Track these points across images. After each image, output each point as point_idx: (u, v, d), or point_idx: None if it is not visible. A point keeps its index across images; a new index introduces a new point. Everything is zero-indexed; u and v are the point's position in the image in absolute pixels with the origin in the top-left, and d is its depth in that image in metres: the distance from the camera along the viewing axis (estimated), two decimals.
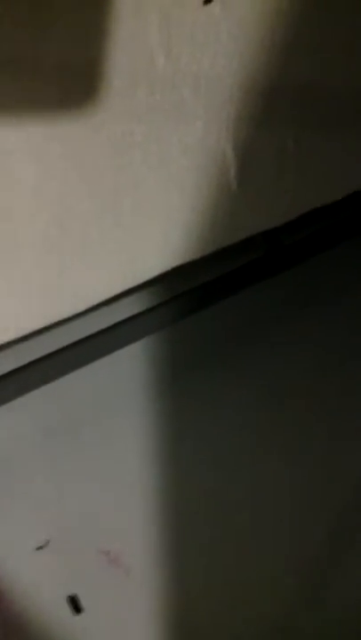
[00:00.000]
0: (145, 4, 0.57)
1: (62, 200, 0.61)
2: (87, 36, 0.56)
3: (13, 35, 0.53)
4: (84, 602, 0.72)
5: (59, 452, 0.72)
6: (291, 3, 0.64)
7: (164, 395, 0.76)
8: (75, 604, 0.72)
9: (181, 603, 0.75)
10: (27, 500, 0.72)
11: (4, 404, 0.68)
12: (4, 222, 0.59)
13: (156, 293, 0.74)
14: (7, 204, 0.59)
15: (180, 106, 0.64)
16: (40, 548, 0.72)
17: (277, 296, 0.80)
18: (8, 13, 0.52)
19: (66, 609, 0.72)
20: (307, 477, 0.80)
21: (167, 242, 0.69)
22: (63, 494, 0.73)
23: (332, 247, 0.79)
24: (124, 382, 0.75)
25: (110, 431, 0.74)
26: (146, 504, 0.74)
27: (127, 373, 0.75)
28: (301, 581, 0.79)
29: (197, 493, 0.76)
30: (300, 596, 0.79)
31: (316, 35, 0.66)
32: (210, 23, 0.61)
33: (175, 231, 0.69)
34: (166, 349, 0.77)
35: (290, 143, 0.71)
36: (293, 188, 0.74)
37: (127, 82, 0.59)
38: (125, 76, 0.59)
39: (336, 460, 0.80)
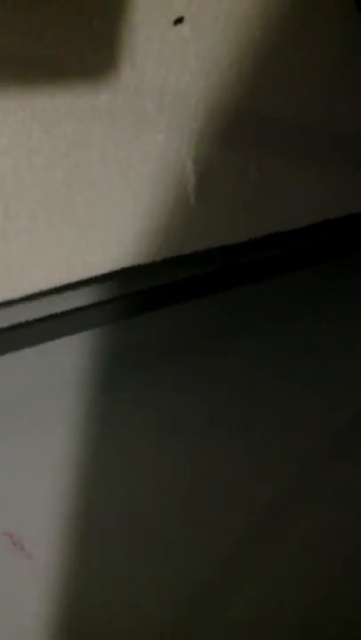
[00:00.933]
0: (115, 14, 0.60)
1: (11, 187, 0.64)
2: (51, 33, 0.60)
3: None
4: None
5: None
6: (263, 34, 0.67)
7: (98, 389, 0.79)
8: None
9: (78, 594, 0.78)
10: None
11: None
12: None
13: (105, 290, 0.77)
14: None
15: (142, 116, 0.67)
16: None
17: (225, 310, 0.83)
18: None
19: None
20: (226, 479, 0.82)
21: (118, 243, 0.72)
22: None
23: (287, 273, 0.81)
24: (60, 372, 0.78)
25: (36, 417, 0.77)
26: (58, 494, 0.77)
27: (65, 364, 0.78)
28: (205, 579, 0.82)
29: (109, 489, 0.79)
30: (202, 595, 0.82)
31: (285, 67, 0.69)
32: (178, 42, 0.64)
33: (127, 234, 0.72)
34: (108, 346, 0.80)
35: (252, 167, 0.74)
36: (253, 210, 0.77)
37: (90, 84, 0.62)
38: (89, 78, 0.62)
39: (255, 466, 0.83)
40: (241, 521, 0.83)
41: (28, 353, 0.74)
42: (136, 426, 0.81)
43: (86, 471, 0.77)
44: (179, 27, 0.63)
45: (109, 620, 0.79)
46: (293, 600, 0.84)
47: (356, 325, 0.87)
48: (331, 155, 0.75)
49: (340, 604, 0.85)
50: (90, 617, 0.78)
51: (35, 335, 0.74)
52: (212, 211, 0.75)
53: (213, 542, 0.82)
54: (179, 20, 0.63)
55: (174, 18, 0.63)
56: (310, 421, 0.86)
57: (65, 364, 0.77)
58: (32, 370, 0.76)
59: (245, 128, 0.71)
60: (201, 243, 0.77)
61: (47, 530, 0.76)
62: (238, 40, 0.66)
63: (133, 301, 0.78)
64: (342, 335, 0.87)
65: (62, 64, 0.61)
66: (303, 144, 0.74)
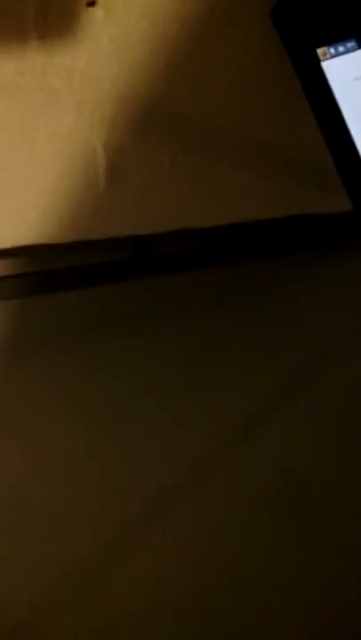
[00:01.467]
0: None
1: None
2: None
3: None
4: None
5: None
6: (180, 31, 0.67)
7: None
8: None
9: None
10: None
11: None
12: None
13: (10, 265, 0.78)
14: None
15: (50, 94, 0.67)
16: None
17: (135, 298, 0.83)
18: None
19: None
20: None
21: (22, 219, 0.73)
22: None
23: (197, 268, 0.81)
24: None
25: None
26: None
27: None
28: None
29: None
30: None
31: (201, 67, 0.69)
32: (91, 24, 0.64)
33: (33, 211, 0.73)
34: (9, 321, 0.80)
35: (165, 161, 0.74)
36: (165, 204, 0.77)
37: None
38: None
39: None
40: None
41: None
42: (31, 404, 0.81)
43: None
44: (92, 9, 0.63)
45: None
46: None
47: (264, 325, 0.87)
48: (244, 158, 0.75)
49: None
50: None
51: None
52: (122, 199, 0.75)
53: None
54: (91, 3, 0.62)
55: (87, 0, 0.62)
56: (216, 409, 0.86)
57: None
58: None
59: (159, 121, 0.71)
60: (110, 230, 0.77)
61: None
62: (153, 33, 0.66)
63: (40, 280, 0.78)
64: (248, 334, 0.87)
65: None
66: (217, 145, 0.74)
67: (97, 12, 0.64)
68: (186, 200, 0.77)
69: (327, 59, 0.64)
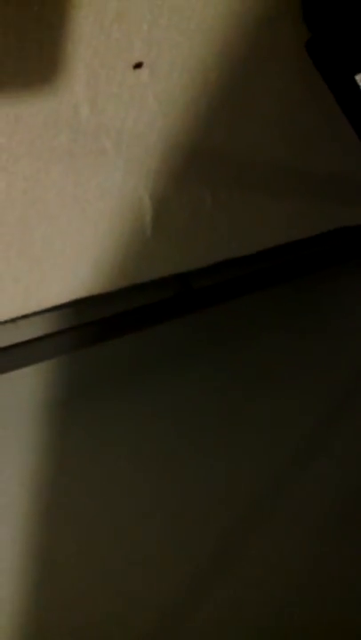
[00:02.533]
0: (75, 58, 0.61)
1: None
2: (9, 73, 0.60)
3: None
4: None
5: None
6: (218, 77, 0.68)
7: (53, 420, 0.80)
8: None
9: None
10: None
11: None
12: None
13: (62, 319, 0.78)
14: None
15: (101, 155, 0.68)
16: None
17: (183, 336, 0.85)
18: None
19: None
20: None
21: (75, 275, 0.74)
22: None
23: (240, 296, 0.84)
24: (15, 403, 0.79)
25: None
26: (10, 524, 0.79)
27: (21, 395, 0.79)
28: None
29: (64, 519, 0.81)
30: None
31: (238, 107, 0.71)
32: (137, 85, 0.65)
33: (85, 266, 0.74)
34: (64, 376, 0.81)
35: (207, 198, 0.76)
36: (206, 239, 0.79)
37: (50, 125, 0.63)
38: (49, 119, 0.62)
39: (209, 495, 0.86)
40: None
41: None
42: (91, 456, 0.82)
43: (39, 502, 0.79)
44: (138, 71, 0.64)
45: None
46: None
47: (308, 345, 0.90)
48: (279, 187, 0.77)
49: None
50: None
51: None
52: (167, 241, 0.77)
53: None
54: (138, 65, 0.63)
55: (134, 63, 0.63)
56: (264, 449, 0.89)
57: (20, 395, 0.78)
58: None
59: (201, 164, 0.73)
60: (156, 272, 0.78)
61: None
62: (194, 83, 0.67)
63: (89, 331, 0.79)
64: (295, 355, 0.90)
65: (21, 106, 0.61)
66: (257, 177, 0.76)
67: (143, 73, 0.65)
68: (226, 231, 0.80)
69: None
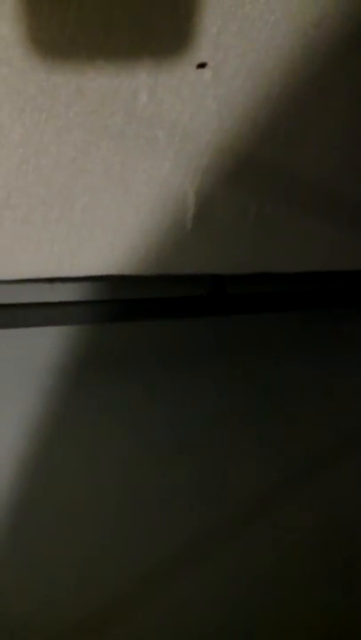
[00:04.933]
0: (141, 46, 0.64)
1: (15, 179, 0.69)
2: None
3: None
4: None
5: None
6: (282, 92, 0.70)
7: (65, 382, 0.84)
8: None
9: None
10: None
11: None
12: None
13: (94, 291, 0.82)
14: None
15: (152, 143, 0.71)
16: None
17: (207, 336, 0.87)
18: None
19: None
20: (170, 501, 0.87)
21: (111, 250, 0.77)
22: None
23: (273, 311, 0.85)
24: (31, 358, 0.83)
25: None
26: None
27: (39, 351, 0.83)
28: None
29: (52, 482, 0.84)
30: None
31: (299, 125, 0.72)
32: (198, 84, 0.68)
33: (121, 244, 0.77)
34: (84, 344, 0.85)
35: (253, 208, 0.78)
36: (246, 248, 0.80)
37: (107, 104, 0.67)
38: (107, 98, 0.66)
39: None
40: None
41: (3, 334, 0.79)
42: (92, 425, 0.85)
43: (32, 460, 0.82)
44: (201, 70, 0.66)
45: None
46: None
47: (327, 373, 0.90)
48: (331, 212, 0.78)
49: None
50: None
51: (14, 319, 0.79)
52: (206, 241, 0.79)
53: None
54: (202, 65, 0.66)
55: (198, 62, 0.66)
56: (272, 454, 0.90)
57: (37, 351, 0.82)
58: (2, 351, 0.81)
59: (252, 173, 0.75)
60: (191, 267, 0.81)
61: None
62: (257, 93, 0.69)
63: (118, 308, 0.83)
64: (314, 380, 0.90)
65: (83, 79, 0.65)
66: (306, 197, 0.77)
67: (205, 73, 0.68)
68: (268, 246, 0.81)
69: None
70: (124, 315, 0.83)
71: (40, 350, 0.83)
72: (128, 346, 0.84)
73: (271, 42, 0.66)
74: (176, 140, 0.71)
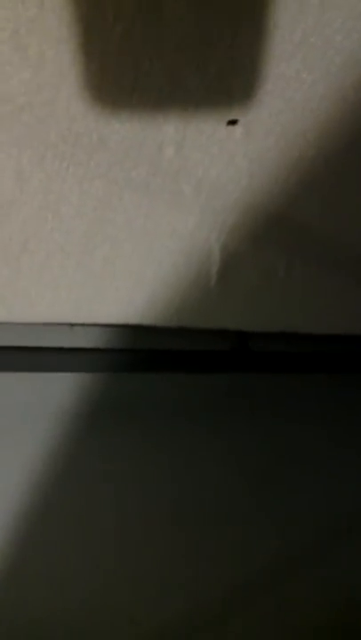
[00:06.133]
0: (170, 101, 0.61)
1: (34, 225, 0.67)
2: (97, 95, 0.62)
3: None
4: None
5: None
6: (316, 154, 0.67)
7: (75, 429, 0.82)
8: None
9: None
10: None
11: None
12: None
13: (115, 339, 0.80)
14: None
15: (177, 197, 0.68)
16: None
17: (225, 392, 0.84)
18: None
19: None
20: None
21: (130, 301, 0.75)
22: None
23: (296, 372, 0.82)
24: (41, 403, 0.81)
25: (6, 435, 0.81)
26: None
27: (49, 397, 0.81)
28: None
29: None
30: None
31: (332, 187, 0.69)
32: (228, 141, 0.65)
33: (141, 295, 0.75)
34: (98, 392, 0.82)
35: (281, 267, 0.74)
36: (272, 306, 0.78)
37: (132, 156, 0.65)
38: (132, 150, 0.64)
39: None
40: None
41: (18, 377, 0.77)
42: (101, 470, 0.83)
43: (38, 504, 0.80)
44: (231, 127, 0.63)
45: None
46: None
47: (348, 439, 0.86)
48: (358, 277, 0.74)
49: None
50: None
51: (28, 362, 0.77)
52: (231, 297, 0.76)
53: None
54: (232, 122, 0.63)
55: (229, 119, 0.63)
56: (287, 519, 0.86)
57: (50, 396, 0.80)
58: (17, 395, 0.79)
59: (280, 233, 0.71)
60: (212, 322, 0.78)
61: None
62: (290, 153, 0.66)
63: (135, 357, 0.80)
64: (332, 445, 0.86)
65: (106, 129, 0.63)
66: (337, 259, 0.73)
67: (236, 131, 0.65)
68: (295, 305, 0.77)
69: None
70: (142, 365, 0.80)
71: (53, 395, 0.80)
72: (142, 396, 0.81)
73: (308, 103, 0.63)
74: (203, 195, 0.68)
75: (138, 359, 0.80)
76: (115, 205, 0.68)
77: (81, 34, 0.57)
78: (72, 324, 0.77)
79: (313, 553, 0.85)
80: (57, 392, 0.80)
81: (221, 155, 0.66)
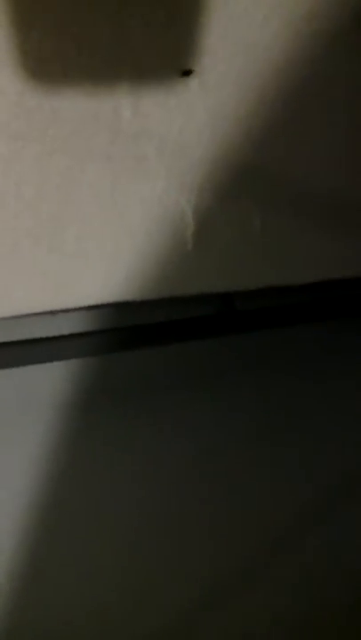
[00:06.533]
0: (118, 58, 0.58)
1: None
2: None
3: None
4: None
5: None
6: (276, 97, 0.64)
7: (72, 417, 0.79)
8: None
9: None
10: None
11: None
12: None
13: (96, 320, 0.77)
14: None
15: (141, 162, 0.65)
16: None
17: (216, 356, 0.81)
18: None
19: None
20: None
21: (109, 278, 0.72)
22: None
23: (286, 326, 0.79)
24: (35, 396, 0.78)
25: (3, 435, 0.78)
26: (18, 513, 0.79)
27: (42, 389, 0.78)
28: None
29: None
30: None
31: (296, 132, 0.66)
32: (184, 94, 0.62)
33: (119, 270, 0.72)
34: (90, 377, 0.80)
35: (256, 221, 0.72)
36: (251, 262, 0.75)
37: (87, 124, 0.62)
38: (86, 117, 0.60)
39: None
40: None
41: (6, 374, 0.74)
42: (105, 458, 0.80)
43: (42, 498, 0.77)
44: (187, 79, 0.61)
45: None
46: None
47: (344, 386, 0.85)
48: (334, 220, 0.72)
49: None
50: None
51: (14, 357, 0.74)
52: (209, 259, 0.73)
53: None
54: (187, 73, 0.60)
55: (182, 70, 0.60)
56: (286, 477, 0.84)
57: (42, 389, 0.77)
58: (5, 392, 0.76)
59: (250, 184, 0.69)
60: (195, 287, 0.75)
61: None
62: (248, 98, 0.63)
63: (123, 336, 0.77)
64: (327, 395, 0.85)
65: (57, 98, 0.60)
66: (308, 206, 0.71)
67: (192, 82, 0.62)
68: (276, 258, 0.75)
69: None
70: (130, 342, 0.77)
71: (45, 387, 0.77)
72: (136, 374, 0.79)
73: (261, 43, 0.60)
74: (166, 156, 0.65)
75: (125, 337, 0.78)
76: (78, 180, 0.65)
77: (14, 4, 0.54)
78: (53, 312, 0.74)
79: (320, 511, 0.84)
80: (48, 383, 0.78)
81: (180, 110, 0.63)
